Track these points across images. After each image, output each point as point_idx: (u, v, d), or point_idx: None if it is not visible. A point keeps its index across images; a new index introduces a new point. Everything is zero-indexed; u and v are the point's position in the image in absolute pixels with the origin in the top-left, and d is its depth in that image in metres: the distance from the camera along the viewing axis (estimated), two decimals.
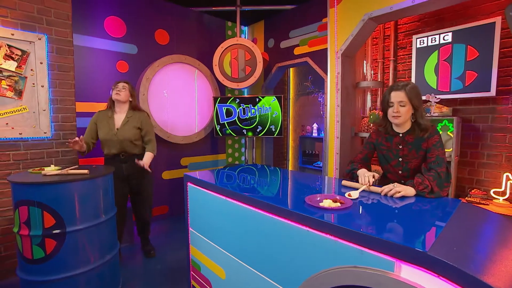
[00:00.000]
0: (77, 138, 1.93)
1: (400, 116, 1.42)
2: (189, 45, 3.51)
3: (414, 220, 0.99)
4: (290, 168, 4.46)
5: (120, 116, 2.25)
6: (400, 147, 1.50)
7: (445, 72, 2.26)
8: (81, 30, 2.70)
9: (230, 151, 4.07)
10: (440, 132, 1.76)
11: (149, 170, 2.23)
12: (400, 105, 1.41)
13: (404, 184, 1.47)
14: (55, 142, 2.26)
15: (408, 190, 1.24)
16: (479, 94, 2.09)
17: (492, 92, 2.03)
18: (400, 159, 1.52)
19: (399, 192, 1.22)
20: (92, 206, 1.67)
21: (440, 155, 1.40)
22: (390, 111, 1.46)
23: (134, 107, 2.30)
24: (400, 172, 1.54)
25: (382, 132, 1.57)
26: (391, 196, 1.22)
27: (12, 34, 2.02)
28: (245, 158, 4.16)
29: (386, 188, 1.25)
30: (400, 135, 1.49)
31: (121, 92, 2.21)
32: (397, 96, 1.42)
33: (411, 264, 0.74)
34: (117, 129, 2.20)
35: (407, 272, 0.75)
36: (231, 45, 3.46)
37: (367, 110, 2.86)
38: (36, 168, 1.84)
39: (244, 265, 1.28)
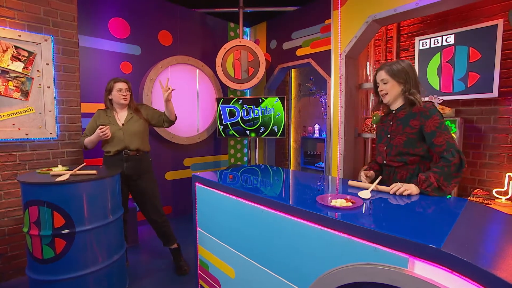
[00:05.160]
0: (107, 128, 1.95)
1: (387, 93, 1.42)
2: (192, 46, 3.53)
3: (425, 218, 1.01)
4: (291, 169, 4.48)
5: (122, 114, 2.14)
6: (391, 123, 1.48)
7: (448, 74, 2.29)
8: (86, 31, 2.72)
9: (232, 151, 4.09)
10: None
11: (171, 89, 2.08)
12: (383, 83, 1.42)
13: (391, 168, 1.47)
14: (61, 142, 2.27)
15: (413, 188, 1.24)
16: (481, 95, 2.12)
17: (495, 93, 2.07)
18: (389, 135, 1.48)
19: (407, 190, 1.22)
20: (100, 206, 1.68)
21: (449, 140, 1.28)
22: (378, 91, 1.48)
23: (134, 105, 2.18)
24: (385, 148, 1.49)
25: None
26: (400, 195, 1.23)
27: (19, 36, 2.03)
28: (248, 159, 4.18)
29: (395, 187, 1.26)
30: (393, 111, 1.48)
31: (127, 96, 2.11)
32: (379, 76, 1.45)
33: (424, 260, 0.75)
34: (122, 124, 2.09)
35: (420, 268, 0.76)
36: (234, 46, 3.48)
37: (370, 111, 2.89)
38: (44, 169, 1.84)
39: (255, 264, 1.29)
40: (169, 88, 2.06)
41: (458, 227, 0.88)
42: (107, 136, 1.97)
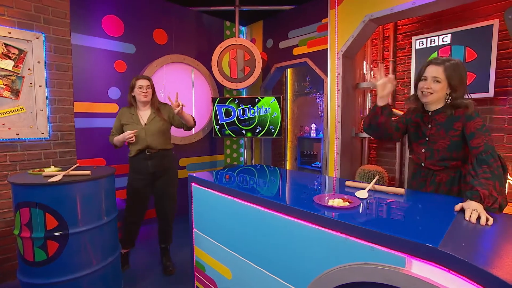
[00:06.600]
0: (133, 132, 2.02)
1: (432, 93, 1.26)
2: (188, 45, 3.49)
3: (422, 217, 1.00)
4: (288, 169, 4.47)
5: (145, 113, 2.18)
6: (429, 126, 1.35)
7: None
8: (79, 29, 2.67)
9: (228, 151, 4.06)
10: None
11: (182, 105, 2.03)
12: (435, 81, 1.25)
13: (430, 170, 1.37)
14: (53, 142, 2.22)
15: (483, 210, 0.97)
16: (477, 95, 2.13)
17: (490, 93, 2.08)
18: (427, 139, 1.37)
19: (487, 218, 0.94)
20: (94, 208, 1.65)
21: (488, 142, 1.16)
22: (420, 85, 1.29)
23: (157, 102, 2.22)
24: (423, 151, 1.39)
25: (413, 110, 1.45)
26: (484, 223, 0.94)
27: (9, 33, 1.98)
28: (244, 159, 4.16)
29: (472, 215, 0.96)
30: (430, 113, 1.35)
31: (148, 94, 2.13)
32: (433, 71, 1.25)
33: (422, 260, 0.75)
34: (145, 124, 2.13)
35: (418, 267, 0.76)
36: (230, 45, 3.46)
37: (367, 110, 2.89)
38: (36, 169, 1.80)
39: (252, 265, 1.28)
40: (179, 104, 2.03)
41: (455, 226, 0.89)
42: (132, 141, 2.05)
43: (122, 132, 2.14)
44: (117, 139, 2.10)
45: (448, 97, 1.28)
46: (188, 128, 2.25)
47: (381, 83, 1.37)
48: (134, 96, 2.16)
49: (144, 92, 2.11)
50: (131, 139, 2.03)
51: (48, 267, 1.51)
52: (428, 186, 1.40)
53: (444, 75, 1.24)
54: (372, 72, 2.83)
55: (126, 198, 2.22)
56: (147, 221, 3.15)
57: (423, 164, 1.41)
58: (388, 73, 1.34)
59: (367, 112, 2.88)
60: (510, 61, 2.09)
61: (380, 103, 1.40)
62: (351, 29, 2.43)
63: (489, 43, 2.04)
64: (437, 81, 1.25)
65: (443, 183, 1.35)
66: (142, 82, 2.12)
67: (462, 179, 1.31)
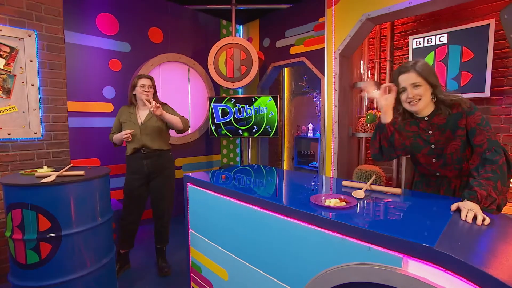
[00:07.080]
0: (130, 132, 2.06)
1: (420, 98, 1.20)
2: (184, 44, 3.46)
3: (419, 217, 1.00)
4: (285, 169, 4.46)
5: (143, 112, 2.19)
6: (430, 132, 1.26)
7: (441, 73, 2.30)
8: (72, 27, 2.63)
9: (225, 151, 4.04)
10: None
11: (154, 106, 1.96)
12: (414, 87, 1.20)
13: (444, 179, 1.30)
14: (46, 143, 2.18)
15: (479, 210, 0.97)
16: (474, 94, 2.14)
17: (487, 93, 2.08)
18: (433, 146, 1.28)
19: (483, 217, 0.93)
20: (89, 209, 1.62)
21: (491, 136, 1.13)
22: (403, 97, 1.24)
23: (157, 102, 2.18)
24: (434, 160, 1.30)
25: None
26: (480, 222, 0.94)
27: (0, 30, 1.94)
28: (241, 159, 4.14)
29: (469, 214, 0.96)
30: (426, 118, 1.26)
31: (150, 93, 2.14)
32: (408, 79, 1.21)
33: (418, 260, 0.75)
34: (141, 123, 2.14)
35: (414, 267, 0.76)
36: (226, 44, 3.43)
37: (364, 110, 2.89)
38: (28, 170, 1.77)
39: (248, 265, 1.27)
40: (152, 106, 1.98)
41: (451, 226, 0.89)
42: (129, 139, 2.08)
43: (121, 130, 2.15)
44: (116, 137, 2.14)
45: (432, 96, 1.24)
46: (179, 131, 2.22)
47: (380, 94, 1.21)
48: (135, 95, 2.17)
49: (146, 91, 2.12)
50: (128, 138, 2.06)
51: (40, 270, 1.48)
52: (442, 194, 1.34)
53: (420, 77, 1.20)
54: (369, 71, 2.83)
55: (123, 198, 2.20)
56: (144, 221, 3.12)
57: (438, 174, 1.33)
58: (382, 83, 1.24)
59: (365, 111, 2.88)
60: (506, 60, 2.10)
61: (386, 119, 1.21)
62: (348, 28, 2.42)
63: (485, 42, 2.05)
64: (418, 86, 1.21)
65: (457, 190, 1.31)
66: (144, 81, 2.13)
67: None
